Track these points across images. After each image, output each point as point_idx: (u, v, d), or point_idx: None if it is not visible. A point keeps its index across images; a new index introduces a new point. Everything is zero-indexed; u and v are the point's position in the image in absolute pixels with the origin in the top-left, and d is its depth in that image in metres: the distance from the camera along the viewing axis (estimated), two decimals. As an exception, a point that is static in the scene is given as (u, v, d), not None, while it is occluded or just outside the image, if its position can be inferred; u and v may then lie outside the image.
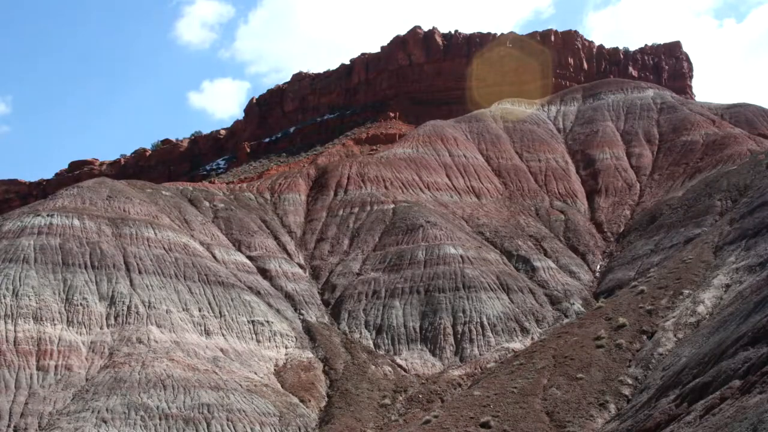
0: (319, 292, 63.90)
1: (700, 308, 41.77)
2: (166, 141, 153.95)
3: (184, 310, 53.24)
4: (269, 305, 58.60)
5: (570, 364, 40.52)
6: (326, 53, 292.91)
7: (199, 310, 53.93)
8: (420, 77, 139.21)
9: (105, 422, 40.03)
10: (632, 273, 60.13)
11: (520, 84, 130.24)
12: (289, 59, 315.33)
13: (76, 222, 58.42)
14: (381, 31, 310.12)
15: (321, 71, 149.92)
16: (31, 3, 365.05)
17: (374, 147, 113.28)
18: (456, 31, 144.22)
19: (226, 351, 50.74)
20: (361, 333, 56.97)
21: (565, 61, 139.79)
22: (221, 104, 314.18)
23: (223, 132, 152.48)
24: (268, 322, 55.93)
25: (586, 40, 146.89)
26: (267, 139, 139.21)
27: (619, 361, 39.86)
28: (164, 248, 59.11)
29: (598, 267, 67.93)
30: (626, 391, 37.07)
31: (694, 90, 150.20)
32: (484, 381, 43.02)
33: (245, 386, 46.02)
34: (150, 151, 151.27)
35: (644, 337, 41.60)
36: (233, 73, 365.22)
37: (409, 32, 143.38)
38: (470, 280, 59.22)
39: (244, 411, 43.06)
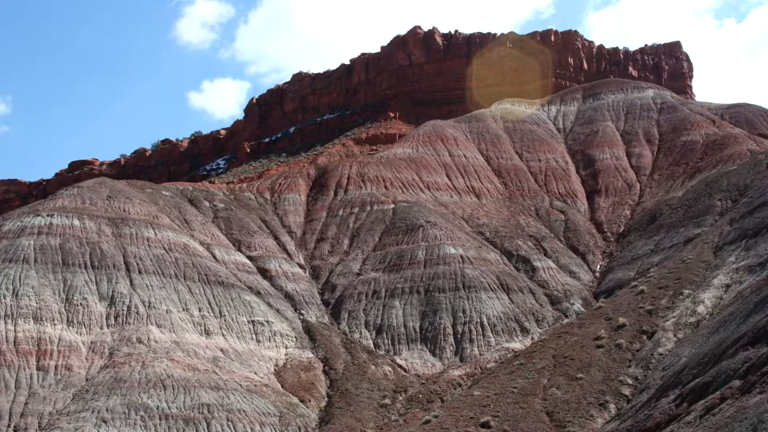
0: (319, 292, 63.90)
1: (700, 308, 41.79)
2: (166, 141, 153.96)
3: (184, 310, 53.24)
4: (269, 305, 58.61)
5: (570, 364, 40.54)
6: (326, 53, 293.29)
7: (199, 310, 53.93)
8: (420, 77, 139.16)
9: (105, 422, 40.04)
10: (632, 273, 60.13)
11: (520, 84, 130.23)
12: (289, 59, 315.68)
13: (76, 222, 58.42)
14: (381, 31, 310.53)
15: (321, 71, 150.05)
16: (31, 3, 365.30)
17: (374, 147, 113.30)
18: (456, 31, 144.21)
19: (226, 351, 50.74)
20: (361, 333, 56.96)
21: (565, 61, 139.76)
22: (221, 104, 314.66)
23: (223, 132, 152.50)
24: (268, 322, 55.93)
25: (586, 40, 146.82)
26: (267, 139, 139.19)
27: (619, 361, 39.88)
28: (164, 248, 59.11)
29: (598, 267, 67.93)
30: (626, 391, 37.08)
31: (694, 90, 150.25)
32: (484, 381, 43.03)
33: (245, 386, 46.02)
34: (150, 151, 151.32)
35: (644, 337, 41.62)
36: (233, 73, 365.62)
37: (409, 32, 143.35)
38: (470, 280, 59.21)
39: (244, 411, 43.06)
